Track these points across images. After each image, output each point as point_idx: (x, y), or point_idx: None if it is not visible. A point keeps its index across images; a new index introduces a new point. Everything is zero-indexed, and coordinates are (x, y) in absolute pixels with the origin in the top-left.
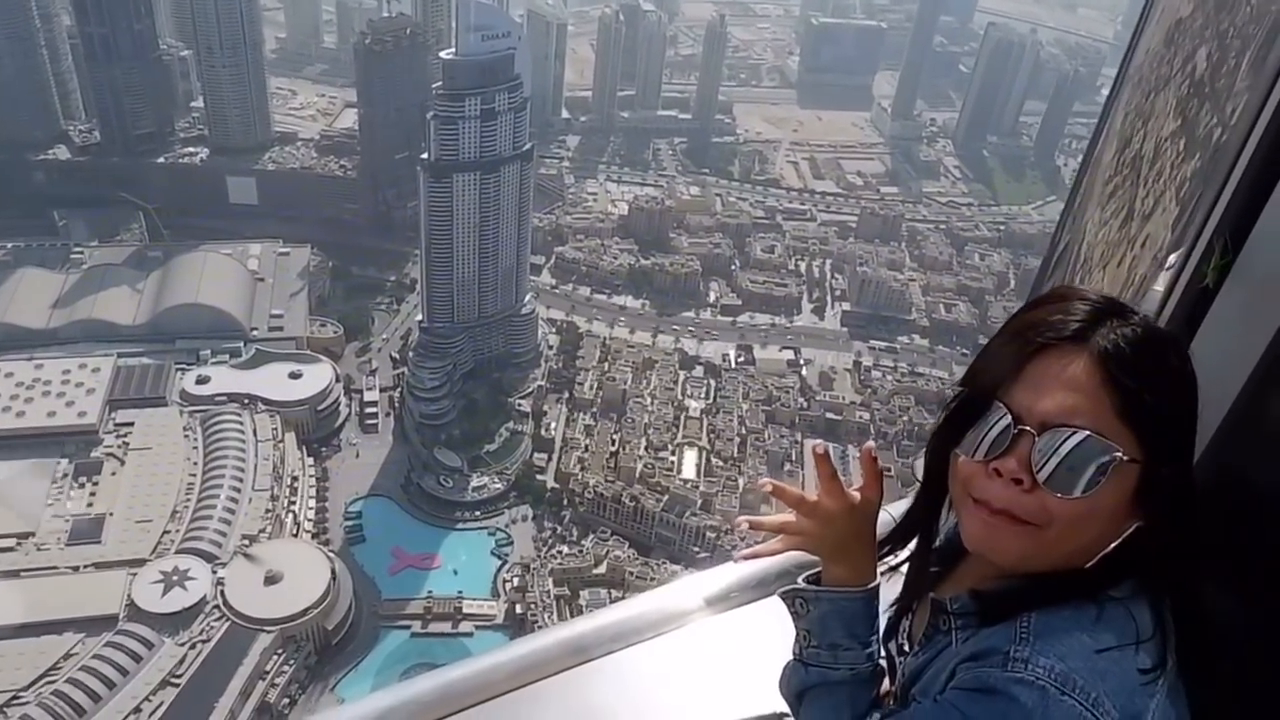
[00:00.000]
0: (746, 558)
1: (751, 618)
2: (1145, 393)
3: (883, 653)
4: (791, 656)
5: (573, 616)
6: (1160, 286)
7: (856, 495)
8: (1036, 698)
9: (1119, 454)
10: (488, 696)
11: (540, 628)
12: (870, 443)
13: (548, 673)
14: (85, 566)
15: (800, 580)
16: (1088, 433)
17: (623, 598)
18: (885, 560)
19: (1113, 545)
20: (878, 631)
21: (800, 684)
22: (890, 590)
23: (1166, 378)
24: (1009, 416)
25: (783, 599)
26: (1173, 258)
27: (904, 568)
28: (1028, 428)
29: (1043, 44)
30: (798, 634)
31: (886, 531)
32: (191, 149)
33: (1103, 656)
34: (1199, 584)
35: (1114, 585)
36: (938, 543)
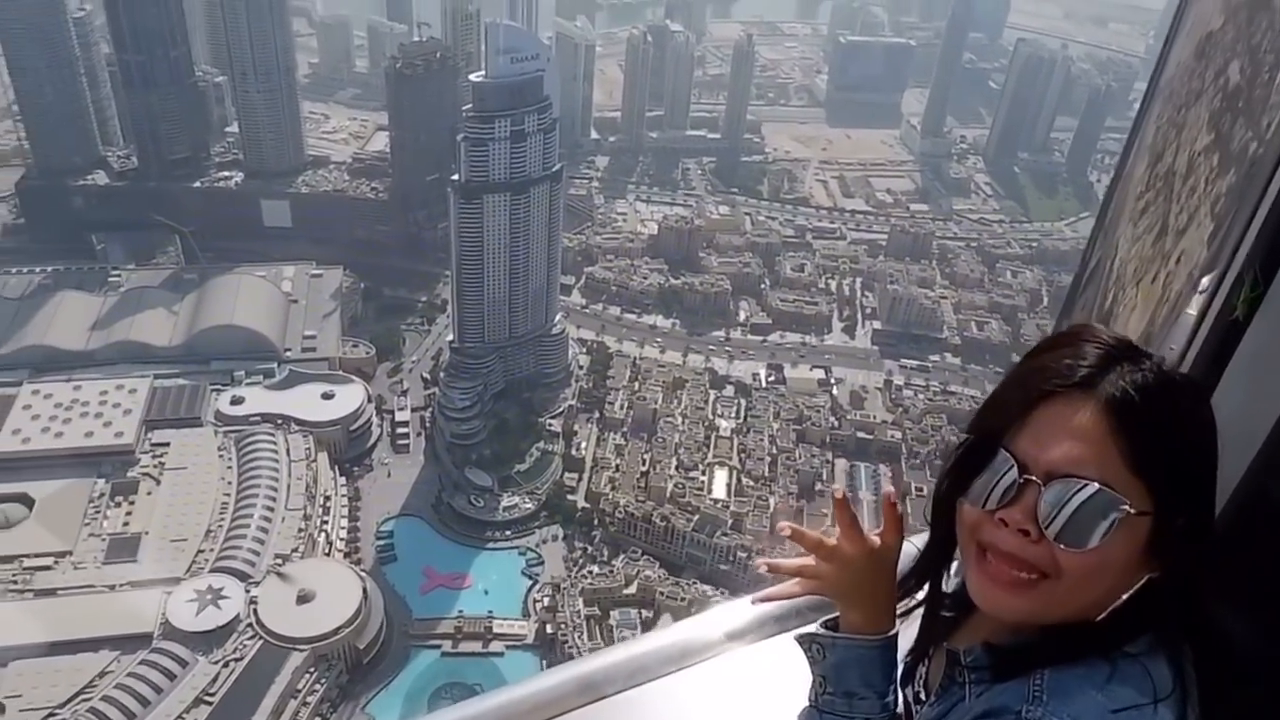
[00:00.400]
0: (762, 600)
1: (772, 653)
2: (1156, 442)
3: (900, 698)
4: (808, 702)
5: (603, 637)
6: (1194, 310)
7: (876, 540)
8: None
9: (1128, 507)
10: None
11: (571, 649)
12: (890, 488)
13: (565, 709)
14: (121, 585)
15: (817, 625)
16: (1096, 485)
17: (654, 618)
18: (901, 604)
19: (1125, 597)
20: (895, 680)
21: None
22: (909, 634)
23: (1179, 426)
24: (1015, 466)
25: (799, 643)
26: (1205, 280)
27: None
28: (1034, 478)
29: (1073, 59)
30: (814, 679)
31: (901, 574)
32: (226, 173)
33: (1118, 716)
34: (1221, 634)
35: (1130, 640)
36: (952, 588)
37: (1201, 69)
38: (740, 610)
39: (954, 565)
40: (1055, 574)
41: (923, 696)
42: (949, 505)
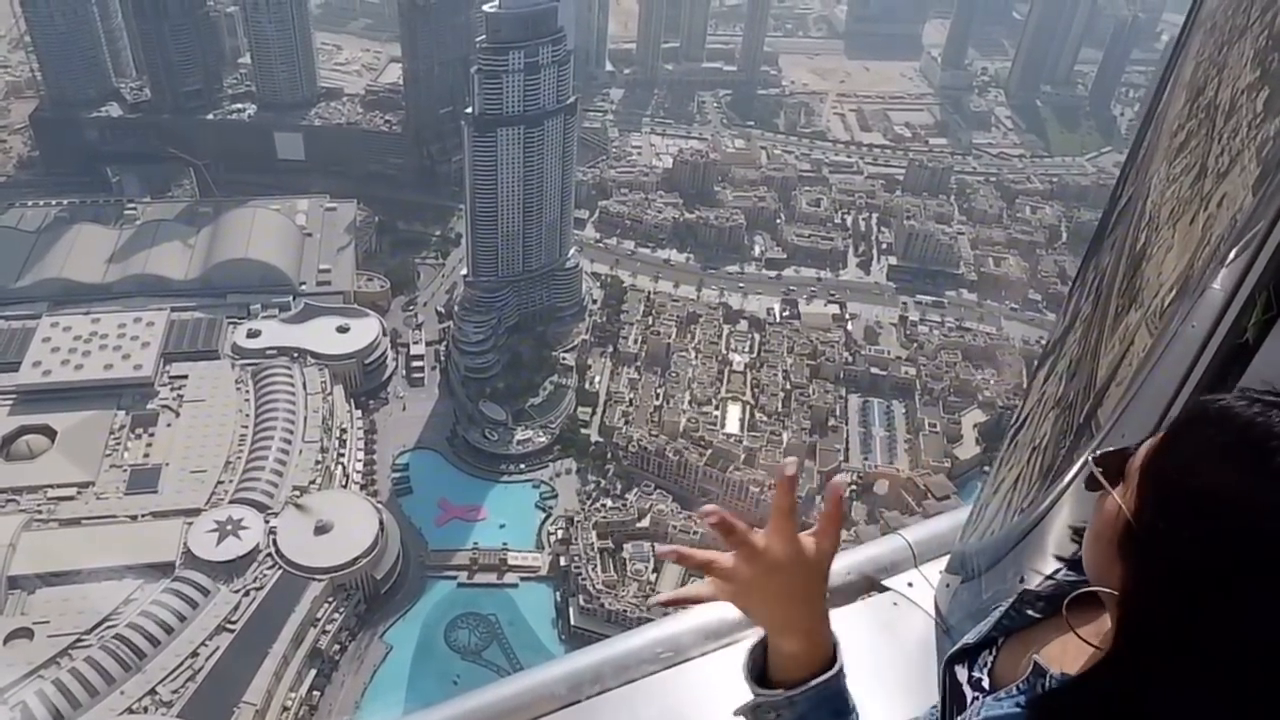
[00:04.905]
0: (663, 604)
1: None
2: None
3: (950, 679)
4: None
5: (616, 570)
6: (1219, 285)
7: (810, 542)
8: None
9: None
10: None
11: (584, 581)
12: (840, 477)
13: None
14: (143, 515)
15: (746, 654)
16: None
17: (669, 539)
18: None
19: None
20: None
21: None
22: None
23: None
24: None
25: (748, 716)
26: (1234, 253)
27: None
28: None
29: None
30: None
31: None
32: (239, 105)
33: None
34: None
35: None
36: (1040, 588)
37: (1247, 4)
38: (669, 622)
39: (1043, 571)
40: None
41: (985, 685)
42: None
